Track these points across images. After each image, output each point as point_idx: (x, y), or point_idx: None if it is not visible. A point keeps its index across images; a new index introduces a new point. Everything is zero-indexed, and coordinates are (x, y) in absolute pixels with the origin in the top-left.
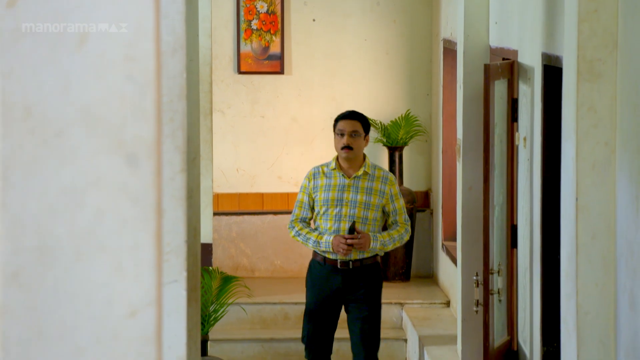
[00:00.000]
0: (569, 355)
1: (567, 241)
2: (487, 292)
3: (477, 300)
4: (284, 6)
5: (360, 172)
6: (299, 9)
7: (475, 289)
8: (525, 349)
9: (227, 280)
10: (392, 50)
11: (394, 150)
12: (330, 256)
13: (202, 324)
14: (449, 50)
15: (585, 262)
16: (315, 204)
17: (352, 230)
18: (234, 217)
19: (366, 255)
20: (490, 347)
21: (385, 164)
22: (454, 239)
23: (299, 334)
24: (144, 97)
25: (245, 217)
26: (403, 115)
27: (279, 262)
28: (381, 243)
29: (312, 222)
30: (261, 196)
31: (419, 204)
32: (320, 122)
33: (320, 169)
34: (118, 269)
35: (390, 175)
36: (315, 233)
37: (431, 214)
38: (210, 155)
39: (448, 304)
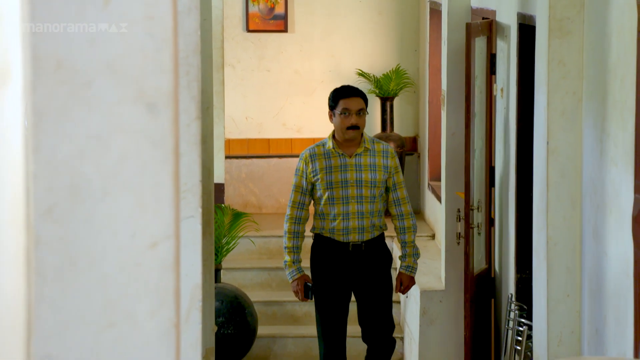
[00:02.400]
0: (539, 280)
1: (538, 180)
2: (467, 226)
3: (459, 233)
4: None
5: (361, 149)
6: None
7: (457, 223)
8: (501, 275)
9: (237, 216)
10: (384, 10)
11: (386, 101)
12: (341, 239)
13: (215, 254)
14: (435, 11)
15: (554, 198)
16: (316, 188)
17: (307, 290)
18: (244, 160)
19: (376, 233)
20: (470, 274)
21: (377, 113)
22: (439, 179)
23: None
24: (162, 52)
25: (254, 160)
26: (393, 69)
27: (283, 200)
28: (414, 260)
29: (310, 209)
30: (267, 141)
31: (407, 148)
32: (320, 75)
33: (317, 150)
34: (140, 206)
35: (390, 147)
36: (291, 258)
37: (418, 157)
38: (222, 105)
39: (433, 236)
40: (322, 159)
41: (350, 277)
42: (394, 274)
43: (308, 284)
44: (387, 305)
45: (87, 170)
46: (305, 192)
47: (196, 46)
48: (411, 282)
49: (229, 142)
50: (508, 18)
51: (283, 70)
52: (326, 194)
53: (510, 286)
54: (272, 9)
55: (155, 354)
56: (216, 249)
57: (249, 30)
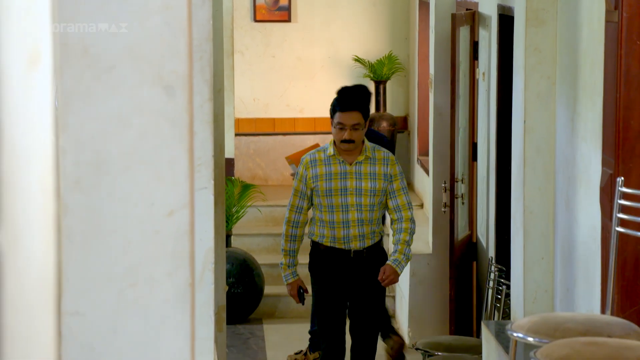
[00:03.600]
0: (517, 245)
1: (516, 155)
2: (452, 197)
3: (445, 203)
4: None
5: (362, 157)
6: None
7: (444, 194)
8: (483, 241)
9: (246, 187)
10: (378, 2)
11: (379, 84)
12: (342, 246)
13: (226, 222)
14: (423, 3)
15: (530, 172)
16: (315, 194)
17: (300, 294)
18: (251, 137)
19: (376, 239)
20: (455, 239)
21: (372, 95)
22: (427, 154)
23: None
24: (178, 39)
25: (260, 137)
26: (386, 55)
27: (287, 173)
28: (404, 258)
29: (309, 213)
30: (273, 120)
31: (399, 126)
32: (320, 60)
33: (317, 156)
34: (159, 178)
35: (391, 155)
36: (287, 261)
37: (409, 134)
38: (232, 88)
39: (422, 206)
40: (322, 165)
41: (350, 282)
42: None
43: (301, 288)
44: (377, 304)
45: (111, 146)
46: (304, 196)
47: (208, 34)
48: (394, 275)
49: (238, 121)
50: (489, 9)
51: (287, 56)
52: (325, 201)
53: (490, 250)
54: (277, 1)
55: (172, 311)
56: (227, 217)
57: (256, 21)
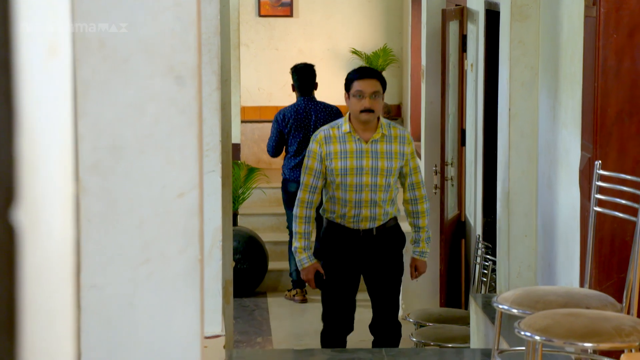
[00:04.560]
0: (502, 224)
1: (502, 140)
2: (443, 179)
3: (436, 185)
4: None
5: (378, 134)
6: None
7: (435, 176)
8: (471, 220)
9: (251, 170)
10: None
11: None
12: (351, 225)
13: (233, 202)
14: None
15: (515, 155)
16: (329, 172)
17: (317, 280)
18: (256, 124)
19: (388, 219)
20: (445, 218)
21: None
22: (419, 139)
23: None
24: (188, 33)
25: (265, 124)
26: (381, 48)
27: None
28: (427, 244)
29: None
30: (276, 108)
31: (393, 113)
32: (320, 53)
33: (331, 132)
34: (170, 162)
35: (407, 133)
36: (302, 244)
37: (402, 121)
38: (238, 78)
39: None
40: (337, 142)
41: (361, 261)
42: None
43: (319, 272)
44: (395, 288)
45: (126, 132)
46: (319, 175)
47: (216, 29)
48: (425, 267)
49: (244, 109)
50: (477, 5)
51: (289, 49)
52: (339, 179)
53: (478, 228)
54: None
55: (183, 284)
56: (233, 198)
57: (260, 16)
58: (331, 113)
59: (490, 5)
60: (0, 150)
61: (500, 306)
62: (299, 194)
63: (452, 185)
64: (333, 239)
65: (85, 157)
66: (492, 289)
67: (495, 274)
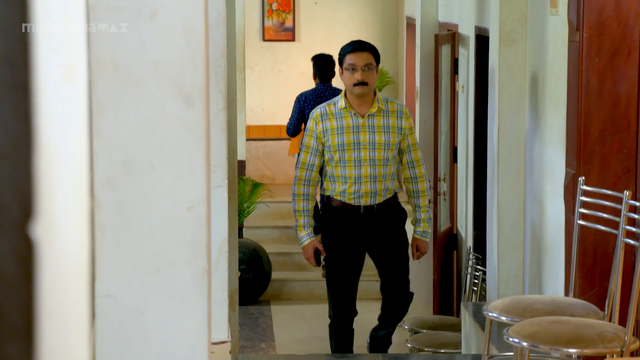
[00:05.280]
0: (492, 236)
1: (491, 156)
2: (436, 193)
3: (430, 199)
4: None
5: (374, 109)
6: None
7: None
8: (462, 232)
9: (255, 185)
10: (370, 24)
11: None
12: (352, 202)
13: (238, 216)
14: (410, 25)
15: (503, 171)
16: (326, 149)
17: (317, 255)
18: (261, 142)
19: (389, 195)
20: (438, 231)
21: None
22: None
23: None
24: (197, 56)
25: (268, 142)
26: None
27: (291, 173)
28: (429, 224)
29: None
30: (279, 127)
31: None
32: None
33: (327, 109)
34: (180, 177)
35: (405, 107)
36: (301, 222)
37: None
38: (243, 98)
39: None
40: (333, 119)
41: (364, 239)
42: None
43: (318, 250)
44: (403, 261)
45: (138, 149)
46: (315, 152)
47: (223, 52)
48: (426, 247)
49: (249, 128)
50: (467, 30)
51: (291, 71)
52: (337, 156)
53: (469, 240)
54: (282, 23)
55: (191, 293)
56: (239, 212)
57: (264, 40)
58: None
59: (480, 31)
60: (20, 167)
61: (490, 314)
62: (296, 172)
63: (445, 199)
64: (333, 217)
65: (99, 172)
66: (483, 297)
67: (485, 284)
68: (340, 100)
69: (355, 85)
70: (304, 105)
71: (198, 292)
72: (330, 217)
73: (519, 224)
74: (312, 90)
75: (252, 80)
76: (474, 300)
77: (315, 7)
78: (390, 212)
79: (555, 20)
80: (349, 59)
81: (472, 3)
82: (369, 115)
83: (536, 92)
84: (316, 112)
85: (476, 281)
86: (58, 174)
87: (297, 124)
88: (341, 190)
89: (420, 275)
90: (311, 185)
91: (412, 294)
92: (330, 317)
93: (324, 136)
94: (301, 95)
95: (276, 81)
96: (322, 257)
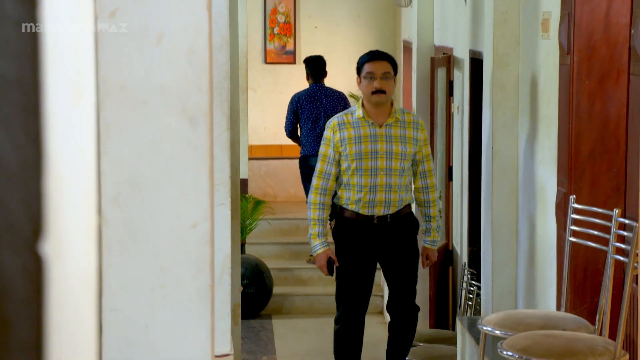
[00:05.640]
0: (486, 252)
1: (485, 176)
2: None
3: (439, 209)
4: (296, 18)
5: (392, 119)
6: (305, 20)
7: None
8: (457, 249)
9: (257, 203)
10: (368, 47)
11: None
12: (365, 212)
13: (241, 232)
14: (407, 48)
15: (497, 190)
16: (343, 158)
17: (330, 266)
18: (263, 161)
19: (402, 206)
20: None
21: None
22: None
23: (306, 239)
24: (201, 78)
25: (270, 161)
26: None
27: (292, 191)
28: (438, 233)
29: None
30: (280, 147)
31: None
32: None
33: (345, 119)
34: (184, 195)
35: (421, 119)
36: (316, 231)
37: None
38: (246, 119)
39: None
40: (351, 128)
41: (376, 248)
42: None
43: (332, 259)
44: (412, 272)
45: (144, 168)
46: (332, 161)
47: (226, 74)
48: (435, 256)
49: (251, 147)
50: (462, 53)
51: (292, 93)
52: (354, 165)
53: (464, 257)
54: (284, 46)
55: (195, 308)
56: (241, 228)
57: (266, 63)
58: (338, 97)
59: (475, 54)
60: (30, 187)
61: (485, 328)
62: (313, 181)
63: (441, 217)
64: (346, 227)
65: (106, 191)
66: (477, 312)
67: (480, 298)
68: (357, 110)
69: (373, 93)
70: (297, 105)
71: (202, 306)
72: (343, 227)
73: (512, 241)
74: (306, 91)
75: (255, 102)
76: (469, 314)
77: (315, 32)
78: (403, 222)
79: (547, 44)
80: (367, 67)
81: (467, 27)
82: (386, 125)
83: (528, 113)
84: (333, 121)
85: (471, 296)
86: (67, 194)
87: (293, 124)
88: (356, 199)
89: (417, 289)
90: (327, 194)
91: (418, 308)
92: (335, 321)
93: (342, 145)
94: (295, 96)
95: (278, 102)
96: (334, 267)
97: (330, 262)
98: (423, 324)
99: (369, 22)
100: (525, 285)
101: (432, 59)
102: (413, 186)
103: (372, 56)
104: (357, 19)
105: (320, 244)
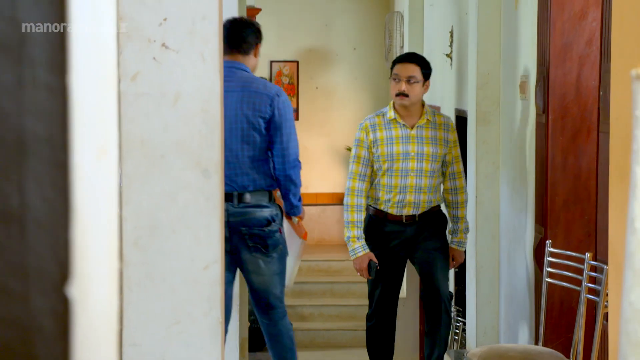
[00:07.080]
0: (471, 291)
1: (470, 222)
2: None
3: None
4: (299, 79)
5: (423, 120)
6: (307, 81)
7: None
8: None
9: None
10: (364, 106)
11: None
12: (394, 212)
13: None
14: None
15: (481, 235)
16: (375, 159)
17: (371, 269)
18: None
19: (430, 207)
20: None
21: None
22: None
23: (307, 278)
24: (213, 134)
25: None
26: None
27: None
28: (465, 235)
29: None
30: None
31: None
32: (320, 149)
33: (377, 120)
34: (197, 239)
35: (451, 121)
36: (354, 233)
37: None
38: None
39: None
40: (383, 129)
41: (405, 244)
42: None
43: (373, 262)
44: (445, 257)
45: (161, 215)
46: (367, 163)
47: None
48: (462, 257)
49: None
50: (448, 111)
51: None
52: (385, 165)
53: None
54: None
55: (207, 341)
56: None
57: None
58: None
59: (459, 112)
60: (58, 236)
61: None
62: (349, 183)
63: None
64: (376, 227)
65: (127, 236)
66: (463, 345)
67: (466, 333)
68: (389, 111)
69: (396, 95)
70: None
71: (213, 340)
72: (373, 228)
73: (495, 281)
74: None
75: None
76: (455, 347)
77: (316, 92)
78: (431, 218)
79: (525, 104)
80: (395, 69)
81: (452, 88)
82: (417, 126)
83: (509, 165)
84: (365, 122)
85: (457, 331)
86: (91, 240)
87: None
88: (385, 199)
89: (408, 325)
90: (364, 195)
91: (452, 294)
92: (367, 317)
93: (374, 146)
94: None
95: None
96: (374, 270)
97: (371, 265)
98: (413, 357)
99: (364, 83)
100: (506, 322)
101: None
102: (442, 187)
103: (402, 58)
104: (353, 80)
105: (361, 246)
